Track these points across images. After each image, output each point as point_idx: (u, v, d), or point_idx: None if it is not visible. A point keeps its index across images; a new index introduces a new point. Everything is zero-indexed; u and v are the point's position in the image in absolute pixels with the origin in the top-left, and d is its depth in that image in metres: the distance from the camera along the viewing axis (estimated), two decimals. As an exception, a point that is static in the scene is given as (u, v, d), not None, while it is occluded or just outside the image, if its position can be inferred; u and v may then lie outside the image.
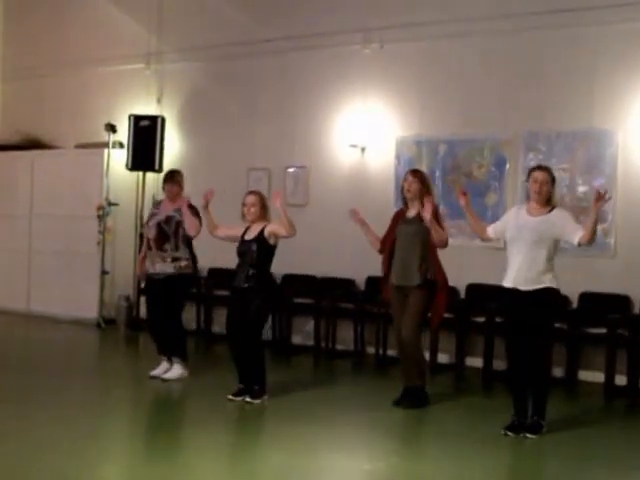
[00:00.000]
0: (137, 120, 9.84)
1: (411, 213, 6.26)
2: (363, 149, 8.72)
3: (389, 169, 8.59)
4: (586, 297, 7.44)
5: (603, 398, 6.92)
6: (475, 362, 7.74)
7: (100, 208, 9.81)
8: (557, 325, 7.18)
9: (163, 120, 9.92)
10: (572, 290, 7.42)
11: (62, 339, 9.32)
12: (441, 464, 4.95)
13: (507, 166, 7.95)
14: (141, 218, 9.76)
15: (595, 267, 7.44)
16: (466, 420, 6.04)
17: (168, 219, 6.84)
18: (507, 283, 5.54)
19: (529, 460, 5.14)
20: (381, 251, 6.40)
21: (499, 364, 7.14)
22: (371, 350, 8.30)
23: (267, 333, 8.90)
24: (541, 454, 5.18)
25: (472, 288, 7.91)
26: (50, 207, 10.65)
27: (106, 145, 10.06)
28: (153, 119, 9.87)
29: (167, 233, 6.81)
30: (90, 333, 9.44)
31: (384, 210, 7.46)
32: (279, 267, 8.82)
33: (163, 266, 6.81)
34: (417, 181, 6.20)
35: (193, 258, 6.94)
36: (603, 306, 7.21)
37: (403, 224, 6.26)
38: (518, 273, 5.45)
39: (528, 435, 5.37)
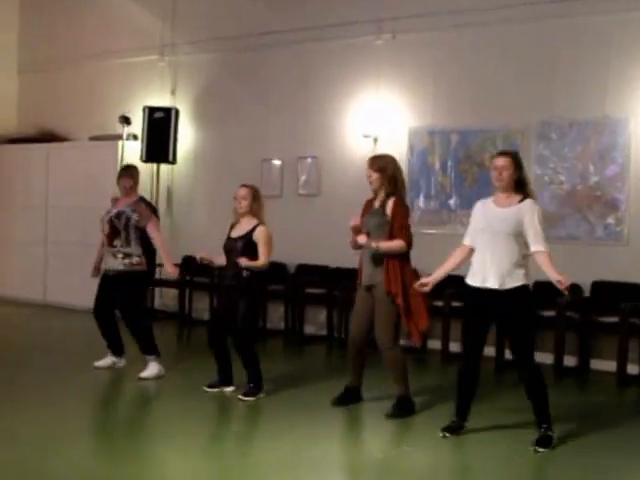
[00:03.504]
0: (151, 112, 9.89)
1: (376, 204, 5.74)
2: (376, 139, 8.73)
3: (402, 159, 8.44)
4: (598, 286, 7.43)
5: (615, 387, 6.91)
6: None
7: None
8: (569, 314, 7.26)
9: (177, 112, 9.97)
10: (584, 279, 7.44)
11: (78, 328, 9.39)
12: (454, 453, 4.97)
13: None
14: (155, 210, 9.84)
15: (607, 255, 7.44)
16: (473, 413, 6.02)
17: (119, 214, 6.68)
18: (473, 281, 5.02)
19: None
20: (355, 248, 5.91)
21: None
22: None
23: (280, 323, 9.01)
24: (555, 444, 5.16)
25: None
26: (65, 199, 10.75)
27: (120, 137, 10.12)
28: (167, 111, 9.92)
29: (117, 228, 6.64)
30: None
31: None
32: (292, 257, 8.96)
33: (114, 262, 6.65)
34: (376, 170, 5.69)
35: (148, 254, 6.72)
36: (615, 295, 7.20)
37: (368, 216, 5.75)
38: (486, 270, 4.94)
39: (539, 449, 4.86)
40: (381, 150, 8.65)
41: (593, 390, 7.07)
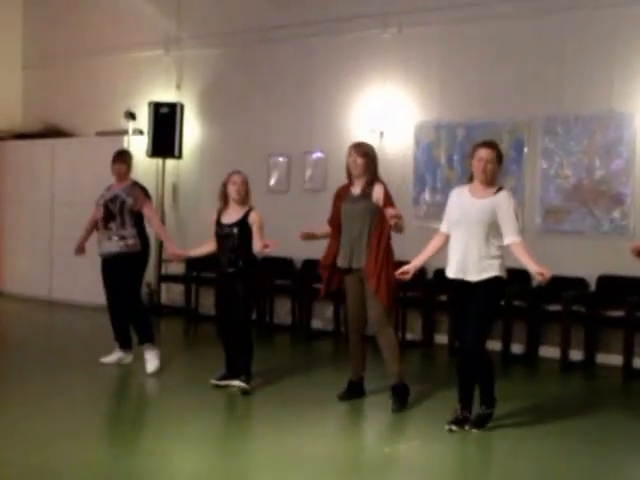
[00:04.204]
0: (156, 107, 9.90)
1: (356, 190, 5.80)
2: (382, 134, 8.74)
3: (408, 154, 8.62)
4: (604, 280, 7.44)
5: (621, 381, 6.93)
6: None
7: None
8: (575, 308, 7.28)
9: (182, 107, 9.98)
10: (590, 273, 7.47)
11: (83, 325, 9.44)
12: (461, 447, 4.98)
13: (525, 150, 7.95)
14: (162, 205, 9.87)
15: (613, 249, 7.43)
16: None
17: (113, 198, 6.79)
18: (452, 273, 5.07)
19: (549, 443, 5.05)
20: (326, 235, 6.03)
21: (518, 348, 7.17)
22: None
23: (287, 318, 9.02)
24: (557, 437, 5.16)
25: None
26: (71, 194, 10.75)
27: (126, 132, 10.14)
28: (172, 106, 9.93)
29: (112, 212, 6.73)
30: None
31: (402, 195, 7.49)
32: (299, 253, 8.97)
33: (109, 245, 6.73)
34: (361, 155, 5.76)
35: (142, 237, 6.79)
36: (621, 288, 7.21)
37: (349, 202, 5.79)
38: (464, 262, 4.98)
39: (473, 429, 5.05)
40: (387, 144, 8.69)
41: (599, 384, 7.08)
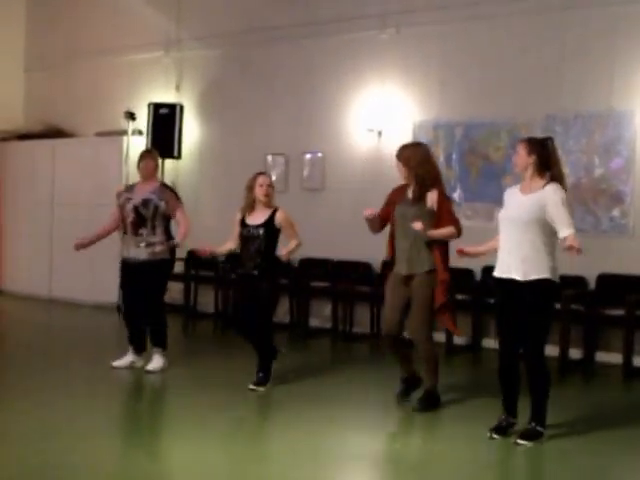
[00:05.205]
0: (156, 108, 9.91)
1: (410, 193, 5.63)
2: (380, 133, 8.73)
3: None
4: (604, 278, 7.42)
5: (621, 379, 6.90)
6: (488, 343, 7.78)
7: (121, 192, 9.89)
8: (574, 307, 7.24)
9: (182, 107, 10.00)
10: (590, 271, 7.44)
11: (83, 323, 9.44)
12: (459, 446, 4.93)
13: (524, 149, 7.94)
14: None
15: (613, 248, 7.42)
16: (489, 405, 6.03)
17: (145, 202, 6.48)
18: (497, 272, 4.92)
19: (549, 444, 4.93)
20: (378, 230, 5.79)
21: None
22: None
23: (285, 317, 9.01)
24: (561, 436, 5.09)
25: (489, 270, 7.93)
26: (71, 194, 10.78)
27: (125, 133, 10.14)
28: (172, 107, 9.94)
29: (144, 217, 6.46)
30: (111, 317, 9.52)
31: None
32: (297, 251, 8.93)
33: (137, 252, 6.48)
34: (403, 164, 5.61)
35: (169, 242, 6.58)
36: (621, 287, 7.18)
37: (403, 204, 5.62)
38: (507, 259, 4.82)
39: (520, 442, 4.79)
40: (385, 144, 8.67)
41: (599, 383, 7.05)
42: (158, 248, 6.47)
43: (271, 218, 6.04)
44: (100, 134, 10.70)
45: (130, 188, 6.79)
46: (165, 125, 9.88)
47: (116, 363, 6.67)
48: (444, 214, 5.47)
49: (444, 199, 5.54)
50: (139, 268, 6.51)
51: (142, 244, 6.48)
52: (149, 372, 6.58)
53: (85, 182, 10.58)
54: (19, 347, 7.85)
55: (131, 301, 6.67)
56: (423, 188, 5.52)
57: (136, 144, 10.08)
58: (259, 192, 6.06)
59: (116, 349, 6.87)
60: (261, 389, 6.04)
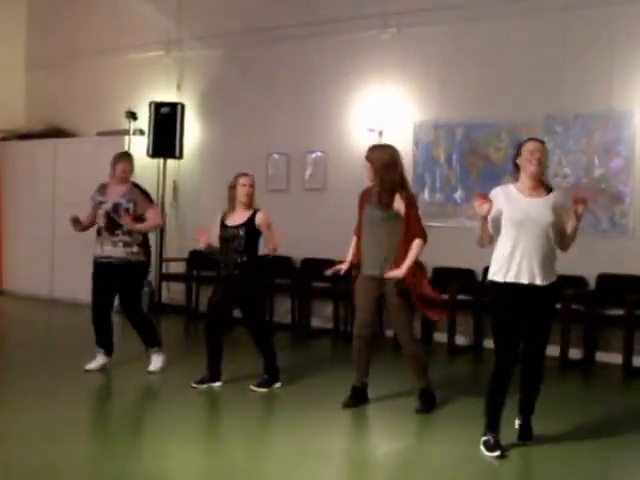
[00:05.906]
0: (157, 107, 9.92)
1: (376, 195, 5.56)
2: (381, 133, 8.75)
3: (407, 153, 8.53)
4: (604, 278, 7.45)
5: (621, 379, 6.93)
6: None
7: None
8: (574, 306, 7.26)
9: (183, 107, 10.01)
10: (590, 272, 7.46)
11: (83, 323, 9.42)
12: (458, 447, 4.95)
13: (524, 149, 7.95)
14: (162, 204, 9.87)
15: (613, 248, 7.44)
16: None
17: (115, 207, 6.46)
18: (504, 277, 4.62)
19: (548, 444, 4.96)
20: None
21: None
22: (390, 333, 8.34)
23: (287, 317, 9.04)
24: (558, 436, 5.13)
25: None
26: (72, 194, 10.74)
27: (127, 132, 10.17)
28: (173, 106, 9.95)
29: (116, 221, 6.44)
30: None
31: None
32: (298, 251, 8.98)
33: (113, 250, 6.44)
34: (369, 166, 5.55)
35: (146, 245, 6.61)
36: (621, 287, 7.21)
37: (371, 206, 5.55)
38: (525, 264, 4.57)
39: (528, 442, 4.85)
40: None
41: (598, 383, 7.07)
42: (135, 249, 6.48)
43: (251, 219, 6.04)
44: (101, 134, 10.72)
45: (102, 189, 6.69)
46: (166, 125, 9.89)
47: (89, 366, 6.60)
48: (411, 221, 5.41)
49: (411, 205, 5.45)
50: (112, 268, 6.46)
51: (119, 244, 6.46)
52: (151, 373, 6.61)
53: (86, 182, 10.53)
54: (19, 347, 7.88)
55: (100, 302, 6.60)
56: (386, 192, 5.46)
57: (137, 144, 10.11)
58: (240, 192, 6.06)
59: (116, 349, 6.89)
60: (262, 390, 6.05)
